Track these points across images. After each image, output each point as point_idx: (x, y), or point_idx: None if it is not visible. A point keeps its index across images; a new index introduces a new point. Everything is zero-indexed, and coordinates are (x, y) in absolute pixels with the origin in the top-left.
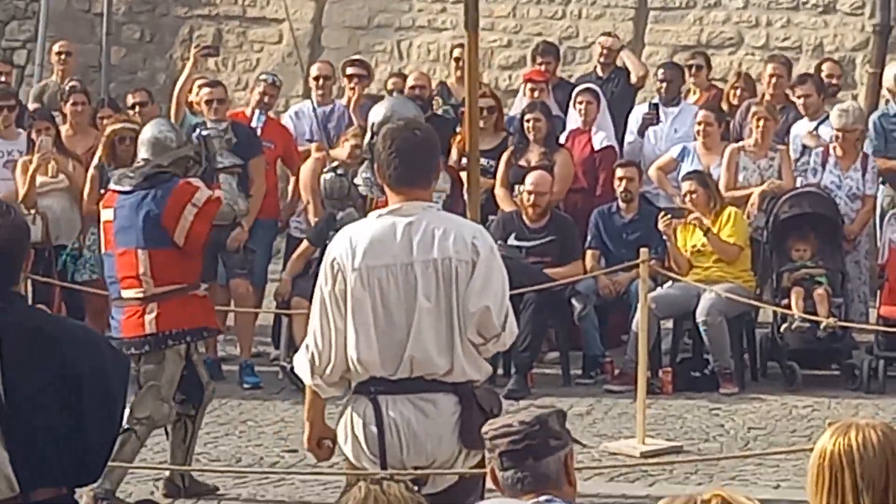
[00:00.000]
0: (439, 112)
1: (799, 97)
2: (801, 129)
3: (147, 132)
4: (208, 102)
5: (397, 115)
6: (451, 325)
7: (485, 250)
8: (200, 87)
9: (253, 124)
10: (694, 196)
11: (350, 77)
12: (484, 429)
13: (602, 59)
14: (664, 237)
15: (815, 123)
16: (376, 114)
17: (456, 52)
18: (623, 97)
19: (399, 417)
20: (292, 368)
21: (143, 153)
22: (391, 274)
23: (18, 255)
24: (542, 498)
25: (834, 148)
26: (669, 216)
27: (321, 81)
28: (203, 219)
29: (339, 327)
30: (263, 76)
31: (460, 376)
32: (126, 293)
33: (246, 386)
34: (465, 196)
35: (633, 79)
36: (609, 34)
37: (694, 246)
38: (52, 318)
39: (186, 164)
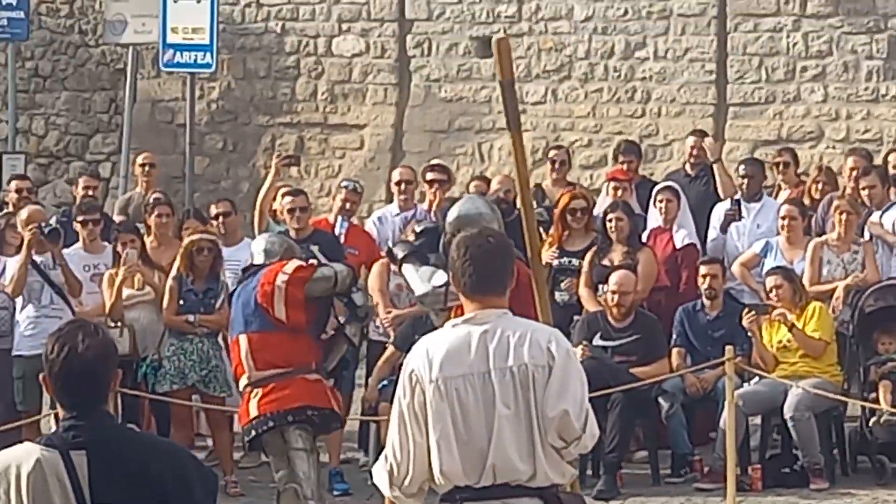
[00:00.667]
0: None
1: (864, 188)
2: (889, 218)
3: (256, 244)
4: (291, 211)
5: (468, 212)
6: (532, 431)
7: (560, 354)
8: (283, 195)
9: (336, 231)
10: (779, 291)
11: (430, 182)
12: None
13: (692, 160)
14: (749, 334)
15: (879, 214)
16: (450, 214)
17: (552, 154)
18: (710, 196)
19: None
20: None
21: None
22: (469, 384)
23: (106, 375)
24: None
25: None
26: (754, 312)
27: (403, 186)
28: (296, 284)
29: (419, 440)
30: (345, 183)
31: (544, 481)
32: (239, 383)
33: (336, 493)
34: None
35: (721, 194)
36: (700, 132)
37: (780, 342)
38: (139, 435)
39: None
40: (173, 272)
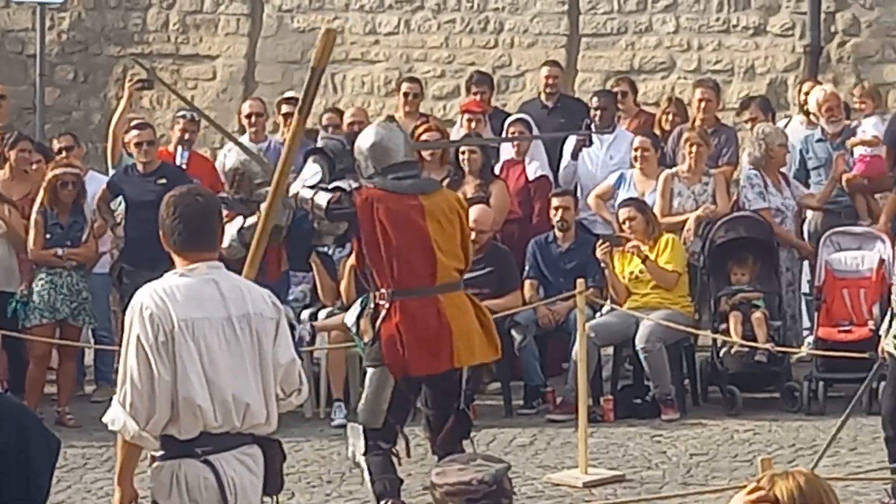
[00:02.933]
0: None
1: (746, 121)
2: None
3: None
4: (138, 145)
5: (382, 140)
6: (267, 378)
7: (280, 309)
8: (129, 129)
9: (177, 162)
10: (632, 223)
11: (286, 115)
12: (436, 479)
13: (548, 89)
14: (602, 265)
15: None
16: (364, 140)
17: (404, 87)
18: (565, 127)
19: (235, 476)
20: None
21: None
22: (213, 327)
23: None
24: None
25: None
26: (608, 243)
27: (253, 119)
28: None
29: (166, 379)
30: (181, 113)
31: (270, 427)
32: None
33: None
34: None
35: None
36: (554, 63)
37: (632, 272)
38: None
39: None
40: (36, 206)
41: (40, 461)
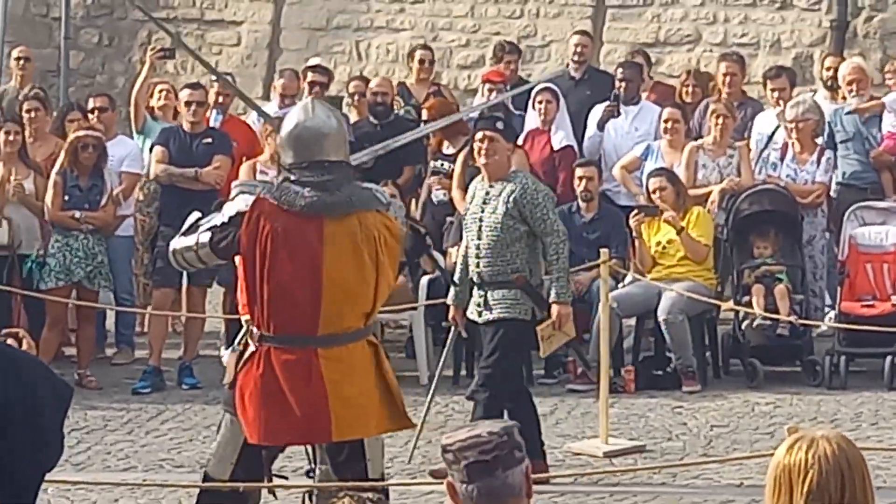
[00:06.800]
0: (400, 113)
1: (773, 90)
2: (763, 122)
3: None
4: (188, 104)
5: (309, 125)
6: None
7: None
8: (182, 87)
9: (211, 124)
10: (663, 193)
11: (311, 84)
12: (447, 440)
13: (576, 57)
14: (633, 234)
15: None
16: (287, 122)
17: (418, 54)
18: (592, 100)
19: None
20: None
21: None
22: None
23: None
24: None
25: (792, 142)
26: (643, 214)
27: (286, 101)
28: None
29: None
30: (214, 78)
31: None
32: None
33: (185, 387)
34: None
35: None
36: (584, 32)
37: (658, 243)
38: None
39: None
40: (56, 167)
41: (50, 414)
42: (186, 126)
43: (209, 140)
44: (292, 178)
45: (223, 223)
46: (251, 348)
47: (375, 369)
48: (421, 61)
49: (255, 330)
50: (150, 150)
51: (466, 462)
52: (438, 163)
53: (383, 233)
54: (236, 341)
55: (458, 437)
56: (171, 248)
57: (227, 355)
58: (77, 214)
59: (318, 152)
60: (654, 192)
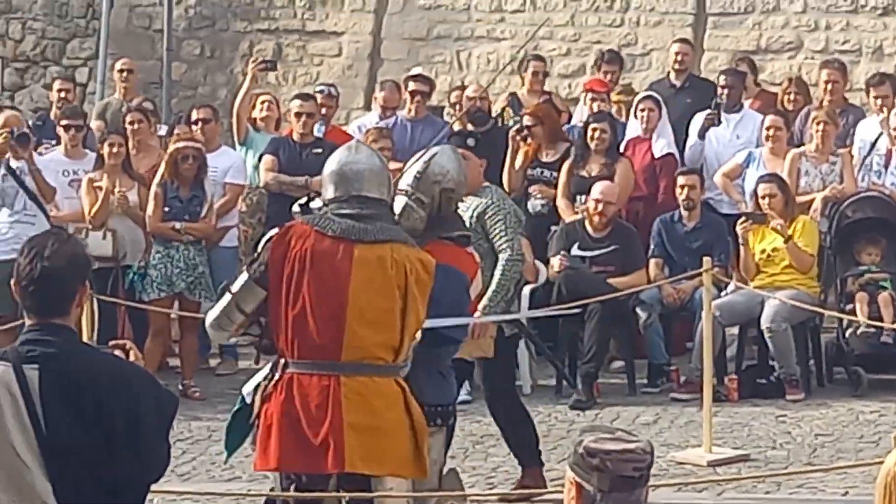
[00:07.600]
0: (510, 123)
1: (876, 97)
2: (865, 129)
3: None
4: (298, 115)
5: (353, 164)
6: None
7: None
8: (293, 98)
9: (316, 135)
10: (772, 200)
11: (412, 93)
12: (596, 445)
13: (677, 66)
14: (740, 241)
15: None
16: (329, 164)
17: (531, 66)
18: (693, 107)
19: None
20: None
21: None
22: None
23: (70, 283)
24: None
25: None
26: (750, 221)
27: (387, 112)
28: None
29: None
30: (319, 88)
31: None
32: None
33: None
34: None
35: None
36: (684, 40)
37: (763, 251)
38: (93, 355)
39: None
40: (157, 179)
41: (154, 424)
42: (296, 136)
43: (319, 150)
44: (331, 210)
45: (257, 253)
46: (276, 377)
47: (404, 410)
48: (535, 73)
49: (280, 361)
50: (258, 159)
51: (617, 474)
52: (537, 170)
53: (415, 265)
54: (258, 380)
55: (611, 447)
56: (206, 325)
57: (249, 388)
58: (177, 225)
59: (358, 188)
60: (763, 198)
